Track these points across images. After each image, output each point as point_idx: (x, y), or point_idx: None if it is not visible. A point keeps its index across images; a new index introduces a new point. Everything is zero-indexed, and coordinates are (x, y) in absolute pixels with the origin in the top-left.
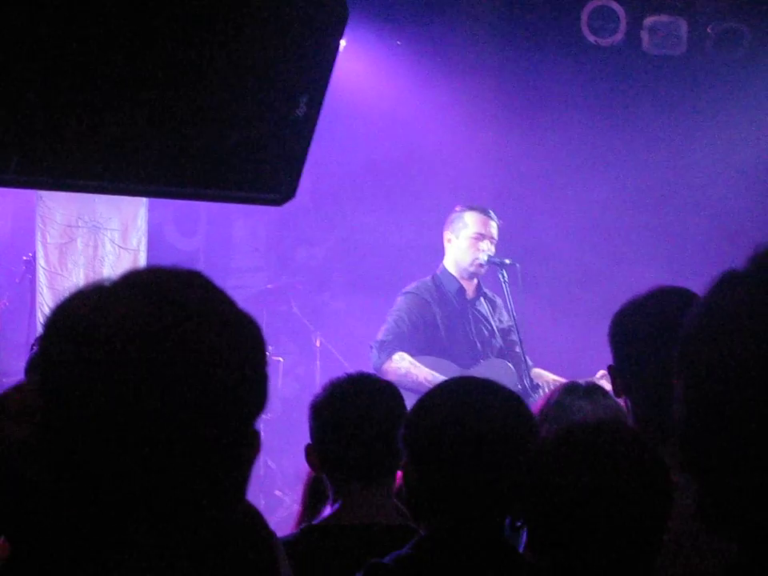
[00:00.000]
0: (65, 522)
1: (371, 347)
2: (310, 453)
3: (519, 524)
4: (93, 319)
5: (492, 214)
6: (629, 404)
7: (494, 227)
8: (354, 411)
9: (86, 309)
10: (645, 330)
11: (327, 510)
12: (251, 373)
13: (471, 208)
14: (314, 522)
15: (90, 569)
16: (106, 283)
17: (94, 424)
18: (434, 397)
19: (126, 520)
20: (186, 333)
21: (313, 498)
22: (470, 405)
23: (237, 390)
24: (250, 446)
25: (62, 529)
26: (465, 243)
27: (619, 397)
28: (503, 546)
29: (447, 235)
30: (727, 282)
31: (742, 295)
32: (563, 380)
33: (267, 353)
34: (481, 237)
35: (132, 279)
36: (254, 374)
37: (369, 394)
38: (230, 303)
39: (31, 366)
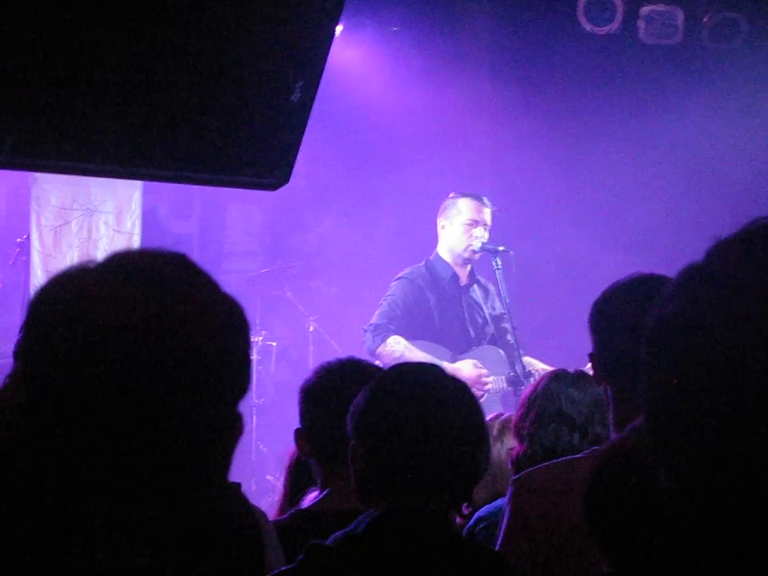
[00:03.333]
0: (49, 503)
1: (365, 331)
2: (300, 437)
3: (470, 509)
4: (75, 301)
5: (486, 200)
6: (608, 390)
7: (487, 213)
8: (343, 396)
9: (69, 291)
10: (623, 317)
11: (314, 495)
12: (233, 356)
13: (465, 195)
14: (303, 507)
15: (74, 547)
16: (90, 265)
17: (76, 406)
18: (384, 381)
19: (107, 501)
20: (167, 315)
21: (295, 481)
22: (419, 390)
23: (218, 372)
24: (231, 428)
25: (46, 510)
26: (458, 230)
27: (599, 384)
28: (444, 526)
29: (441, 222)
30: (687, 278)
31: (699, 291)
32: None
33: (250, 336)
34: (474, 223)
35: (116, 261)
36: (236, 357)
37: (359, 379)
38: (213, 286)
39: (19, 350)
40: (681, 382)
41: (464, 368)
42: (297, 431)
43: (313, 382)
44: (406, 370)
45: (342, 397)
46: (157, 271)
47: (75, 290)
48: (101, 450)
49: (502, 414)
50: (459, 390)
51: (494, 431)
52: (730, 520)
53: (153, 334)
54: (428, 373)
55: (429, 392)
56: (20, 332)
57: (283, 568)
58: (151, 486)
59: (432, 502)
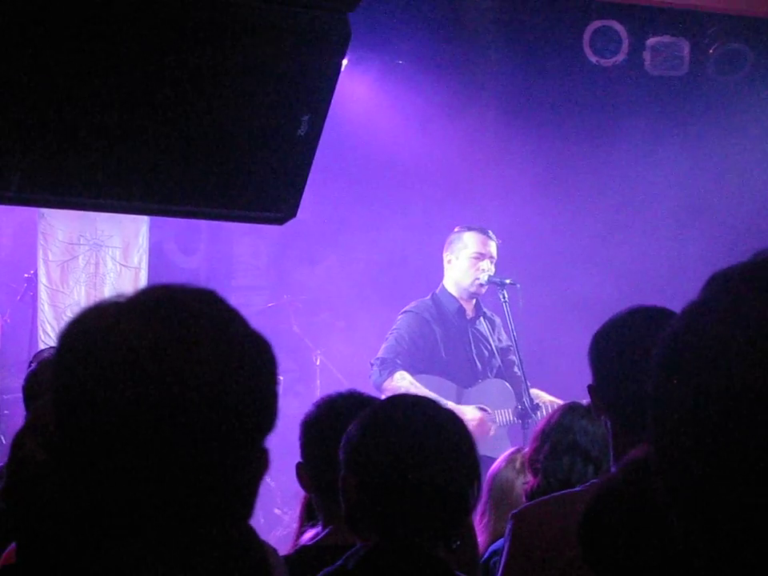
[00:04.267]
0: (74, 532)
1: (372, 365)
2: (301, 471)
3: (457, 544)
4: (106, 335)
5: (491, 233)
6: (608, 422)
7: (493, 246)
8: (344, 429)
9: (100, 324)
10: (621, 349)
11: (314, 531)
12: (261, 391)
13: (470, 228)
14: (306, 543)
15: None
16: (121, 299)
17: (105, 439)
18: (377, 413)
19: (131, 533)
20: (198, 350)
21: (310, 516)
22: (413, 422)
23: (247, 407)
24: (258, 463)
25: (70, 539)
26: (465, 263)
27: (599, 416)
28: (435, 562)
29: (447, 256)
30: (693, 312)
31: (706, 325)
32: (560, 401)
33: (278, 372)
34: (480, 256)
35: (146, 296)
36: (265, 392)
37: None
38: (242, 322)
39: (28, 386)
40: (689, 417)
41: (468, 412)
42: (298, 465)
43: (314, 415)
44: (399, 403)
45: (342, 430)
46: (187, 306)
47: (107, 322)
48: (127, 481)
49: (524, 448)
50: (453, 424)
51: (517, 464)
52: (739, 553)
53: (182, 369)
54: (422, 406)
55: (422, 425)
56: (33, 363)
57: None
58: (176, 518)
59: (422, 536)
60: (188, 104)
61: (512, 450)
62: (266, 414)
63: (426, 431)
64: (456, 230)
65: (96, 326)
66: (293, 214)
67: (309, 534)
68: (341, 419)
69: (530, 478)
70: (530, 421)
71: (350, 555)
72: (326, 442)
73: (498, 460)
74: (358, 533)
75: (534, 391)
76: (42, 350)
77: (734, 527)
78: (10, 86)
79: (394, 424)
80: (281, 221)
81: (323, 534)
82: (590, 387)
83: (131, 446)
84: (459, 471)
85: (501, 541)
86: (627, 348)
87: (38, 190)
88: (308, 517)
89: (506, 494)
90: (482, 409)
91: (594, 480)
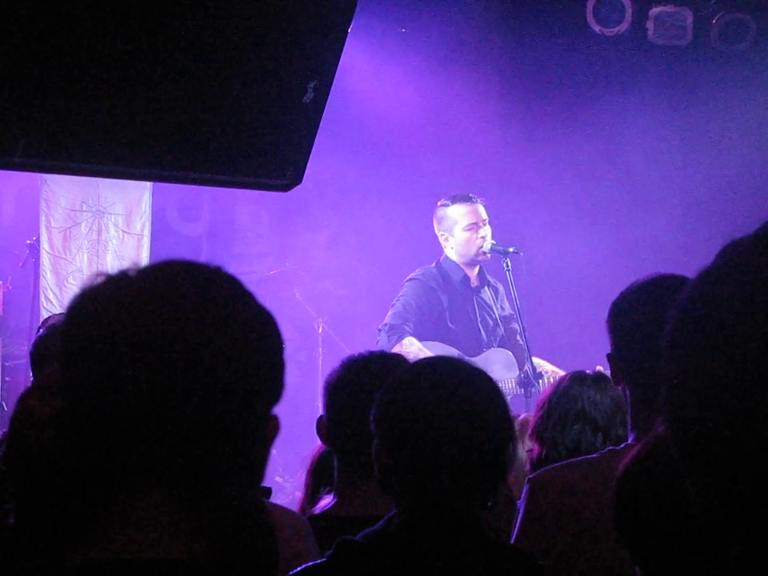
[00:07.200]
0: (79, 496)
1: (379, 330)
2: (321, 426)
3: (492, 503)
4: (116, 308)
5: (473, 197)
6: (627, 390)
7: (481, 210)
8: (367, 388)
9: (110, 297)
10: (641, 317)
11: (330, 498)
12: (269, 365)
13: (453, 200)
14: (316, 512)
15: (108, 538)
16: (131, 273)
17: (113, 409)
18: (408, 375)
19: (140, 498)
20: (208, 324)
21: (315, 483)
22: (446, 382)
23: (254, 378)
24: (266, 430)
25: (75, 503)
26: (463, 237)
27: (617, 384)
28: (473, 524)
29: (441, 234)
30: (705, 281)
31: (718, 294)
32: (562, 372)
33: (284, 345)
34: (475, 226)
35: (156, 270)
36: (272, 366)
37: (384, 372)
38: (251, 297)
39: (36, 350)
40: (701, 388)
41: None
42: (319, 419)
43: (338, 373)
44: (431, 363)
45: (368, 389)
46: (197, 281)
47: (116, 295)
48: (133, 450)
49: (519, 416)
50: (486, 383)
51: None
52: (755, 529)
53: (192, 341)
54: (454, 365)
55: (456, 385)
56: (42, 328)
57: (311, 563)
58: (185, 484)
59: (460, 499)
60: (193, 70)
61: None
62: (274, 385)
63: (460, 390)
64: (439, 204)
65: (106, 299)
66: (298, 181)
67: (323, 502)
68: (364, 378)
69: (533, 446)
70: (532, 389)
71: (388, 519)
72: (351, 402)
73: None
74: (390, 493)
75: (535, 360)
76: (50, 316)
77: (750, 500)
78: (14, 50)
79: (426, 384)
80: (286, 187)
81: (332, 503)
82: (608, 356)
83: (141, 417)
84: (495, 430)
85: None
86: (646, 316)
87: (42, 155)
88: (314, 484)
89: None
90: None
91: (611, 447)
